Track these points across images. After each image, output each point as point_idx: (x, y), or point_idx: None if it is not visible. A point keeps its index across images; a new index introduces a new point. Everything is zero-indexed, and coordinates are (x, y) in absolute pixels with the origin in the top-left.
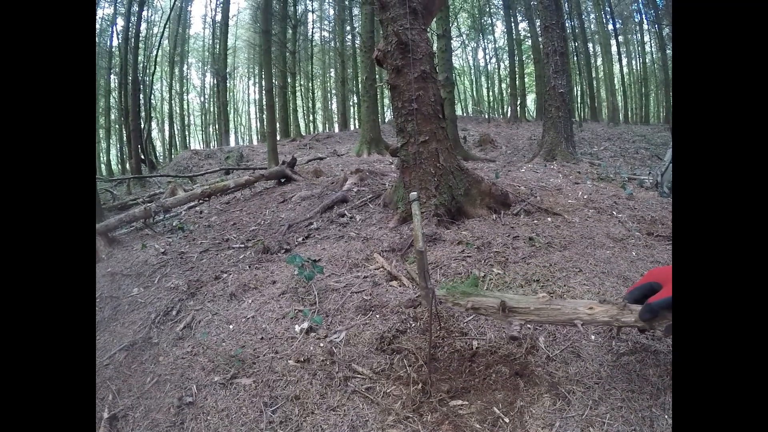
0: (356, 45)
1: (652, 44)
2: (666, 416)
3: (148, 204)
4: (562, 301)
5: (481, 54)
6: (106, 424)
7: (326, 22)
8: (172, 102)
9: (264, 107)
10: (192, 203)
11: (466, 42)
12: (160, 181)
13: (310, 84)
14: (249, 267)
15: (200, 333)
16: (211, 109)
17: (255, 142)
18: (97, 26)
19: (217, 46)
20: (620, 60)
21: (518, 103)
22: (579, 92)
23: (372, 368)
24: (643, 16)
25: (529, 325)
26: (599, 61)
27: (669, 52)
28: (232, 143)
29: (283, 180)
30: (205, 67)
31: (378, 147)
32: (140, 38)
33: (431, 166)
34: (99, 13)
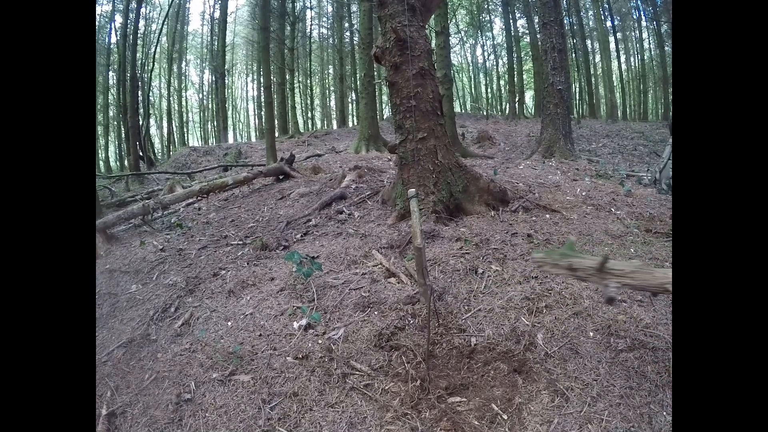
0: (354, 42)
1: (651, 41)
2: (665, 413)
3: (147, 201)
4: (657, 269)
5: (479, 51)
6: (105, 420)
7: (325, 19)
8: (171, 99)
9: (262, 104)
10: (190, 200)
11: (465, 39)
12: (158, 178)
13: (308, 81)
14: (247, 264)
15: (198, 330)
16: (210, 106)
17: (253, 139)
18: (96, 23)
19: (216, 43)
20: (618, 57)
21: (516, 100)
22: (577, 89)
23: (370, 365)
24: (642, 13)
25: (623, 289)
26: (597, 58)
27: (667, 48)
28: (231, 140)
29: (281, 177)
30: (204, 64)
31: (376, 144)
32: (139, 35)
33: (430, 163)
34: (98, 10)
